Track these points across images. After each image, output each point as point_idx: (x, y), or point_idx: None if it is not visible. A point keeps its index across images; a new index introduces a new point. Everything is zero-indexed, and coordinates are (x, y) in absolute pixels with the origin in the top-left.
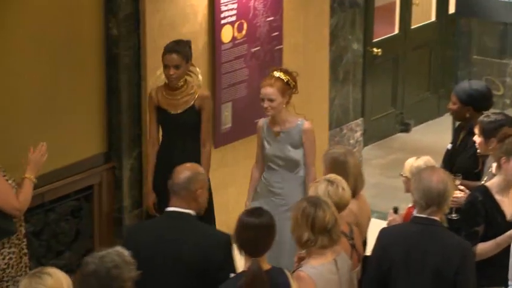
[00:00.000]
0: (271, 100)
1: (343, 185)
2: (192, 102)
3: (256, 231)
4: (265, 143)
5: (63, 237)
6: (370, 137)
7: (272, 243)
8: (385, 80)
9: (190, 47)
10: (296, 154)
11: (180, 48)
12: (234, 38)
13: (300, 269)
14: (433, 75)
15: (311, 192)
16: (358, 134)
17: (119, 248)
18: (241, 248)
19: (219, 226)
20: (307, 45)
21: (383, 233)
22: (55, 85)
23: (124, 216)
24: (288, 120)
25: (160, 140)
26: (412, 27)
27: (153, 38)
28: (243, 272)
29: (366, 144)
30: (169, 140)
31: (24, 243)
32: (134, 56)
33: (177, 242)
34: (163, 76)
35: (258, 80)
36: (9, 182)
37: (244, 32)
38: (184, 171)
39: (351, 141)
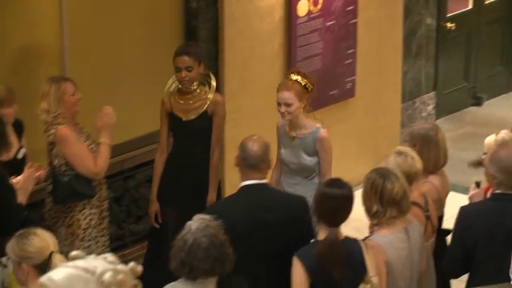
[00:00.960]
0: (288, 105)
1: (412, 155)
2: (205, 108)
3: (338, 201)
4: (281, 146)
5: (142, 203)
6: (442, 110)
7: (349, 215)
8: (458, 54)
9: (201, 49)
10: (310, 161)
11: (191, 50)
12: (309, 12)
13: (370, 238)
14: (506, 50)
15: (381, 164)
16: (430, 107)
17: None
18: (320, 218)
19: None
20: (382, 19)
21: (464, 211)
22: (136, 57)
23: None
24: (305, 126)
25: (171, 147)
26: (486, 2)
27: (231, 11)
28: (320, 241)
29: (437, 117)
30: (180, 147)
31: (104, 206)
32: (212, 29)
33: (269, 210)
34: (174, 85)
35: (332, 54)
36: (92, 146)
37: (319, 6)
38: (256, 144)
39: (423, 114)
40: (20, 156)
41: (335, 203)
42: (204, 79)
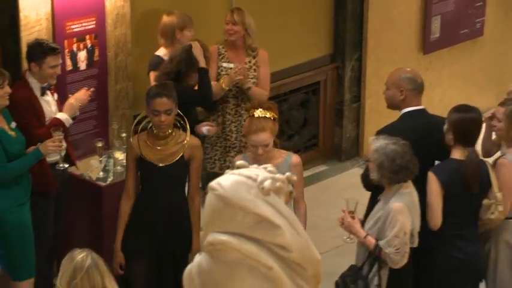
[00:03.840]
0: (265, 145)
1: None
2: (181, 153)
3: (474, 123)
4: None
5: (294, 124)
6: None
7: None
8: None
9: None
10: None
11: (170, 91)
12: None
13: (503, 157)
14: None
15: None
16: None
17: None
18: (458, 140)
19: None
20: None
21: None
22: None
23: (344, 108)
24: (275, 156)
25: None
26: None
27: None
28: (464, 160)
29: None
30: (151, 194)
31: None
32: None
33: (429, 132)
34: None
35: None
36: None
37: None
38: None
39: None
40: None
41: (471, 124)
42: (177, 121)
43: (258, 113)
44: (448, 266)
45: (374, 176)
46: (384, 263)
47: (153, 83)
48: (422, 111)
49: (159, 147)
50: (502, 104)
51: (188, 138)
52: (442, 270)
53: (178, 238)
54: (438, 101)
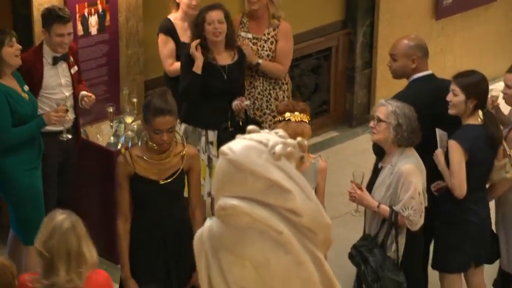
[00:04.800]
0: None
1: None
2: (181, 166)
3: (487, 82)
4: None
5: (305, 90)
6: None
7: None
8: None
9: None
10: None
11: (173, 107)
12: None
13: None
14: None
15: None
16: None
17: None
18: (480, 104)
19: None
20: None
21: None
22: None
23: (356, 74)
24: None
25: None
26: None
27: None
28: (481, 124)
29: None
30: (152, 212)
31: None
32: None
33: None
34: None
35: None
36: None
37: None
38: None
39: None
40: None
41: (487, 85)
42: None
43: (296, 117)
44: (466, 231)
45: (385, 136)
46: (401, 229)
47: (160, 46)
48: (431, 76)
49: (157, 162)
50: (510, 71)
51: (186, 149)
52: (459, 235)
53: (188, 253)
54: (450, 67)
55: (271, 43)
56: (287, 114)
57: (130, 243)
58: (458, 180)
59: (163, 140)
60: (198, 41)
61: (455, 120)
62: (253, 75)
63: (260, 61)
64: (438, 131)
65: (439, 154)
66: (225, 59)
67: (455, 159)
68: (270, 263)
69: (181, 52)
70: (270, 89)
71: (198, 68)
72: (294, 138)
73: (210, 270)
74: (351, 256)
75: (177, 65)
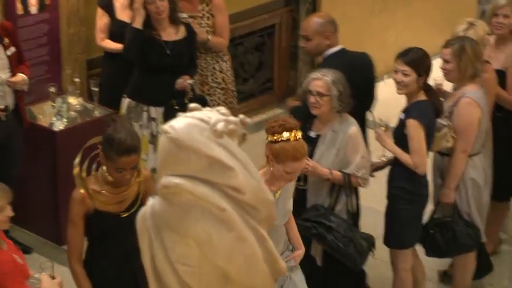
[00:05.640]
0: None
1: (483, 24)
2: (139, 192)
3: (429, 58)
4: None
5: (249, 67)
6: None
7: None
8: None
9: None
10: None
11: (137, 142)
12: None
13: (465, 95)
14: None
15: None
16: None
17: None
18: (427, 78)
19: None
20: None
21: None
22: None
23: (299, 51)
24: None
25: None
26: None
27: None
28: (427, 99)
29: None
30: (116, 248)
31: None
32: None
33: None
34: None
35: None
36: None
37: None
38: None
39: None
40: None
41: (430, 60)
42: None
43: (293, 136)
44: (421, 205)
45: (329, 108)
46: (353, 190)
47: (96, 18)
48: (344, 51)
49: (117, 193)
50: (446, 46)
51: (142, 173)
52: (414, 211)
53: None
54: (392, 43)
55: (208, 18)
56: (285, 134)
57: (100, 282)
58: (421, 157)
59: (126, 178)
60: None
61: (370, 93)
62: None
63: (210, 37)
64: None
65: (382, 134)
66: (169, 35)
67: (417, 137)
68: (213, 240)
69: (116, 30)
70: (213, 63)
71: (137, 23)
72: (297, 156)
73: (153, 249)
74: (307, 229)
75: (108, 42)
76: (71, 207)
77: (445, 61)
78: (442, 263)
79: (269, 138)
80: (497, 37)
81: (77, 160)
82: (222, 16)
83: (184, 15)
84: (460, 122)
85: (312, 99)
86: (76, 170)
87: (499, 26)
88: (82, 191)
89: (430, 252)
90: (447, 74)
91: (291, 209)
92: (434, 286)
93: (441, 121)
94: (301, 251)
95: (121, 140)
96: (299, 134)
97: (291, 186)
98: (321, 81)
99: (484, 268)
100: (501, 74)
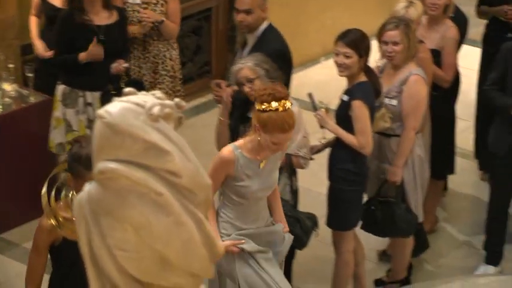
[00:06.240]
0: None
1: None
2: None
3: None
4: None
5: (187, 51)
6: None
7: None
8: None
9: None
10: None
11: None
12: None
13: (413, 73)
14: None
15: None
16: None
17: None
18: (367, 59)
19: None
20: None
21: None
22: None
23: (236, 34)
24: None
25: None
26: None
27: None
28: (368, 80)
29: None
30: (79, 278)
31: None
32: None
33: None
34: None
35: None
36: None
37: None
38: None
39: None
40: None
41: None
42: None
43: (282, 106)
44: (363, 186)
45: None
46: (294, 171)
47: None
48: (272, 25)
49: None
50: (392, 28)
51: None
52: (358, 192)
53: None
54: (330, 26)
55: (162, 5)
56: (274, 104)
57: None
58: (366, 137)
59: None
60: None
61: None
62: (147, 40)
63: (163, 19)
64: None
65: (324, 116)
66: (102, 19)
67: (362, 118)
68: (151, 225)
69: (47, 12)
70: (164, 51)
71: (82, 57)
72: (285, 128)
73: (91, 234)
74: None
75: (33, 26)
76: (37, 235)
77: (394, 43)
78: (381, 243)
79: (257, 107)
80: (430, 17)
81: (44, 190)
82: (174, 2)
83: (138, 1)
84: (410, 101)
85: (245, 89)
86: (44, 200)
87: (433, 7)
88: (52, 221)
89: (366, 227)
90: (395, 56)
91: (276, 182)
92: (374, 266)
93: (382, 101)
94: (287, 228)
95: (88, 154)
96: (288, 104)
97: (277, 158)
98: (244, 69)
99: (421, 246)
100: (435, 54)
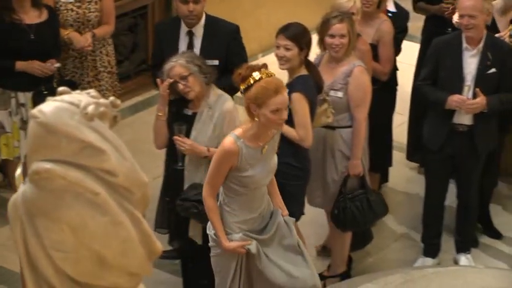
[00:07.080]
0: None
1: None
2: None
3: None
4: None
5: (123, 49)
6: None
7: None
8: None
9: None
10: None
11: None
12: None
13: (356, 65)
14: None
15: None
16: None
17: None
18: (308, 53)
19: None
20: None
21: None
22: None
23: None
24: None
25: None
26: None
27: None
28: (308, 73)
29: None
30: None
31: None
32: None
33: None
34: None
35: None
36: None
37: None
38: None
39: None
40: None
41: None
42: None
43: (264, 73)
44: (306, 179)
45: (199, 86)
46: None
47: None
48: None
49: None
50: (338, 21)
51: None
52: (300, 186)
53: None
54: (265, 21)
55: (96, 3)
56: (256, 74)
57: None
58: (306, 130)
59: None
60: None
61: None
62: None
63: (94, 32)
64: None
65: None
66: (32, 17)
67: (302, 111)
68: (87, 225)
69: None
70: (100, 47)
71: (20, 66)
72: (277, 89)
73: (26, 235)
74: (187, 209)
75: None
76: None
77: (341, 36)
78: (319, 238)
79: (242, 87)
80: (364, 13)
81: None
82: (110, 1)
83: None
84: (358, 92)
85: (180, 86)
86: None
87: (367, 4)
88: None
89: (350, 227)
90: (341, 49)
91: (276, 165)
92: (314, 260)
93: (323, 96)
94: (286, 212)
95: None
96: (269, 71)
97: (275, 141)
98: (176, 66)
99: (364, 239)
100: (372, 48)
